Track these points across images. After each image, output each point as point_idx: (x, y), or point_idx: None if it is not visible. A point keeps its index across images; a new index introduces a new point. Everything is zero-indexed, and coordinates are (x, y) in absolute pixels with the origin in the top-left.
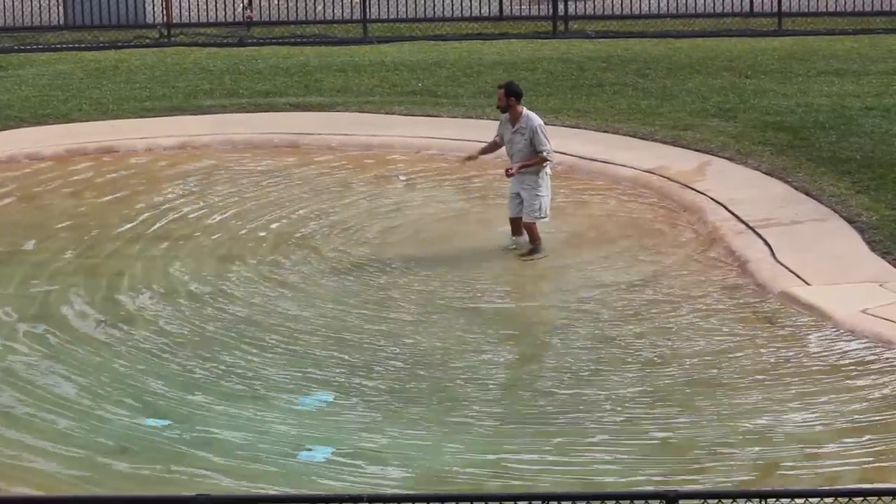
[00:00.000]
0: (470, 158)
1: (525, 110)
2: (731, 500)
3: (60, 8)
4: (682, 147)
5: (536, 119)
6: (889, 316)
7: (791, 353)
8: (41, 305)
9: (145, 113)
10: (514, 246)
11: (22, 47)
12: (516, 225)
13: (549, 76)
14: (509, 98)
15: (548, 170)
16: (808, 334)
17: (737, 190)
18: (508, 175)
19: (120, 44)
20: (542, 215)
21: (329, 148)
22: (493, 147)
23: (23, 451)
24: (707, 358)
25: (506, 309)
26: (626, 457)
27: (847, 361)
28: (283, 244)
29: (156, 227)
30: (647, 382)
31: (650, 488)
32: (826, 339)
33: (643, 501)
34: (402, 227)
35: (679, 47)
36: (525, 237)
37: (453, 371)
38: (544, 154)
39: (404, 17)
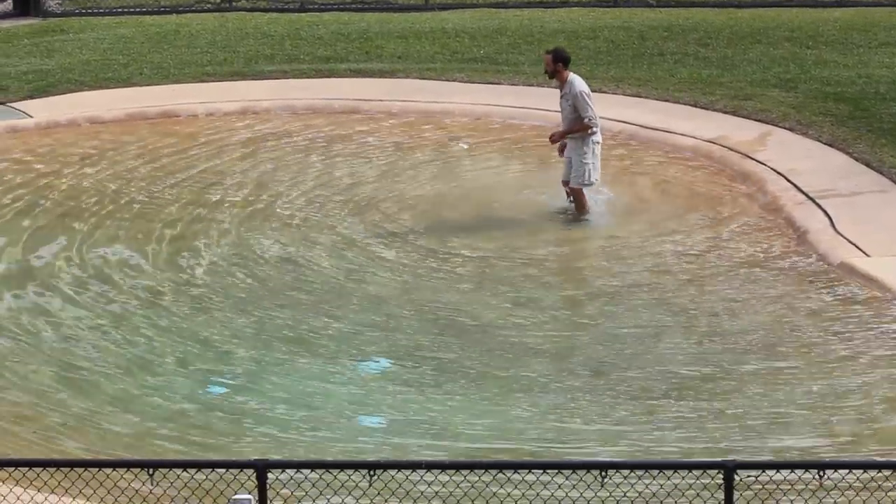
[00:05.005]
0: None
1: (570, 76)
2: (789, 471)
3: None
4: (743, 117)
5: (579, 85)
6: None
7: (850, 325)
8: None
9: (206, 77)
10: (570, 208)
11: (83, 11)
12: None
13: (610, 45)
14: (556, 63)
15: (597, 137)
16: (868, 305)
17: (797, 160)
18: (552, 142)
19: (181, 8)
20: (587, 181)
21: (390, 114)
22: None
23: None
24: (766, 327)
25: (563, 274)
26: (685, 426)
27: None
28: (359, 209)
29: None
30: (707, 351)
31: (709, 458)
32: (885, 311)
33: (702, 471)
34: (460, 192)
35: (740, 17)
36: None
37: (509, 337)
38: (586, 120)
39: None
